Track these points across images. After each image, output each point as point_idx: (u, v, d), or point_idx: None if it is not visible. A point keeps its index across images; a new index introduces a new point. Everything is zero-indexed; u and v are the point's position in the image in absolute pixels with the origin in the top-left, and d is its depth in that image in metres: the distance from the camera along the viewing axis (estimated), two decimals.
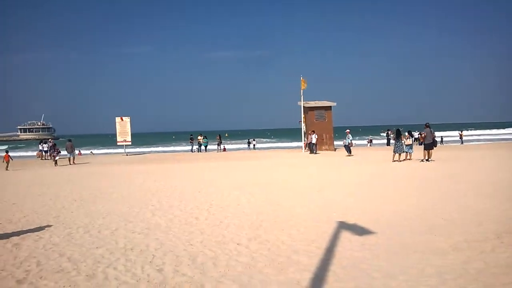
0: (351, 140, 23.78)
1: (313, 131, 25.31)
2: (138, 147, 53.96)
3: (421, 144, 21.86)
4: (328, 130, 27.33)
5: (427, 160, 17.37)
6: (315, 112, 27.33)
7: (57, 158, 24.35)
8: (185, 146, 57.05)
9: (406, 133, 18.86)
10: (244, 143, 53.33)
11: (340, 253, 5.05)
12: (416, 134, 29.01)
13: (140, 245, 5.59)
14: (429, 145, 17.49)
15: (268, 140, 70.03)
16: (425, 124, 17.97)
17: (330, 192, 9.86)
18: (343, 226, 6.39)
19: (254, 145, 43.83)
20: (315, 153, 25.09)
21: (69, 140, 26.15)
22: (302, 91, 27.04)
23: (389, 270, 4.37)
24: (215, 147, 36.09)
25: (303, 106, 27.33)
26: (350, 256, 4.92)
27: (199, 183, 12.37)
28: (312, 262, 4.72)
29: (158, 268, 4.62)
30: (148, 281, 4.21)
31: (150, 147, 61.11)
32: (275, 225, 6.64)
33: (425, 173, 13.59)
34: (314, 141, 25.18)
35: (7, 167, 21.46)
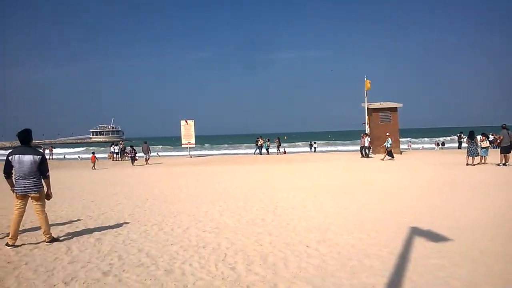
0: (390, 144, 22.88)
1: (388, 134, 24.15)
2: (202, 150, 55.80)
3: (497, 147, 20.32)
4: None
5: (504, 164, 16.09)
6: (380, 113, 26.48)
7: (136, 158, 26.58)
8: (244, 149, 57.98)
9: (481, 135, 17.62)
10: (304, 146, 53.07)
11: (415, 259, 4.82)
12: (490, 137, 27.00)
13: (211, 243, 5.76)
14: (507, 148, 16.19)
15: (329, 142, 68.90)
16: (502, 126, 16.69)
17: (396, 197, 9.48)
18: (415, 231, 6.10)
19: (315, 148, 43.42)
20: (368, 156, 24.29)
21: (145, 142, 28.12)
22: (366, 92, 26.34)
23: (471, 279, 4.10)
24: (275, 149, 36.27)
25: (367, 108, 26.58)
26: (426, 262, 4.68)
27: (263, 185, 12.50)
28: (385, 267, 4.56)
29: (231, 266, 4.73)
30: (222, 279, 4.32)
31: (213, 149, 62.86)
32: (343, 228, 6.51)
33: (502, 178, 12.59)
34: (367, 144, 24.38)
35: (93, 166, 24.01)
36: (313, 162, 23.05)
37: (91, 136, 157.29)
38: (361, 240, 5.77)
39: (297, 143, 65.45)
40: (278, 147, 35.54)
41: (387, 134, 23.19)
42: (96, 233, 6.53)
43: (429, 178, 13.21)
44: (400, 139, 29.81)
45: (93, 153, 26.69)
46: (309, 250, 5.35)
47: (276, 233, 6.31)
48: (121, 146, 31.89)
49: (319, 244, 5.61)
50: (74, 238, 6.21)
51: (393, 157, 22.51)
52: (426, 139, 65.42)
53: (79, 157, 51.20)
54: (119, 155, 31.34)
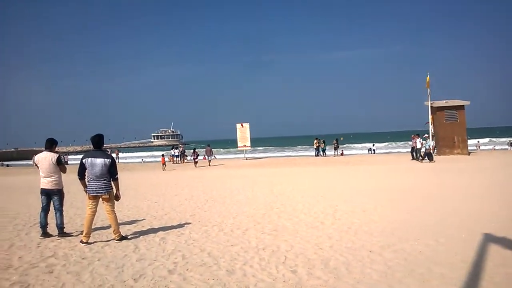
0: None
1: (426, 136, 22.59)
2: (257, 152, 56.33)
3: None
4: (460, 132, 24.79)
5: None
6: (445, 112, 25.03)
7: (197, 160, 28.08)
8: (299, 151, 57.64)
9: None
10: (362, 148, 51.66)
11: (491, 268, 4.49)
12: None
13: (271, 246, 5.77)
14: None
15: (388, 143, 66.37)
16: None
17: (462, 202, 8.89)
18: (491, 238, 5.68)
19: (374, 150, 42.09)
20: (420, 160, 22.36)
21: (208, 145, 29.36)
22: (428, 90, 25.04)
23: None
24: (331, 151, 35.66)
25: (431, 106, 25.25)
26: (504, 272, 4.34)
27: (320, 187, 12.33)
28: (457, 276, 4.28)
29: (291, 269, 4.70)
30: (284, 281, 4.31)
31: (268, 151, 63.21)
32: (408, 234, 6.22)
33: None
34: (419, 145, 22.70)
35: (163, 168, 25.56)
36: (371, 165, 22.35)
37: (153, 140, 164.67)
38: (429, 247, 5.48)
39: (355, 144, 63.82)
40: (335, 149, 34.90)
41: (425, 135, 22.06)
42: (160, 233, 6.81)
43: (499, 181, 12.26)
44: (469, 140, 28.04)
45: (163, 155, 28.68)
46: (373, 256, 5.18)
47: (337, 237, 6.19)
48: (181, 149, 33.06)
49: (383, 250, 5.41)
50: (141, 237, 6.52)
51: (432, 159, 21.24)
52: (503, 139, 60.51)
53: (142, 160, 53.89)
54: (179, 158, 32.50)
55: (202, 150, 33.14)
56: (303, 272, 4.59)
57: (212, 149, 29.57)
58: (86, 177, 6.13)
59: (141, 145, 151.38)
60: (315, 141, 34.45)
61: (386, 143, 66.07)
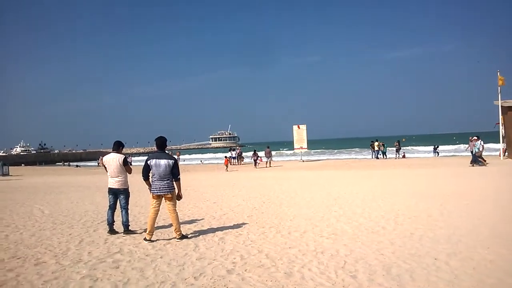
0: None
1: (476, 138, 20.50)
2: (313, 154, 55.70)
3: None
4: None
5: None
6: None
7: (258, 162, 29.15)
8: (357, 154, 56.10)
9: None
10: (426, 150, 49.19)
11: None
12: None
13: (329, 249, 5.64)
14: None
15: (454, 146, 62.46)
16: None
17: None
18: None
19: (437, 152, 39.92)
20: (479, 164, 20.20)
21: (268, 147, 29.89)
22: (499, 88, 23.26)
23: None
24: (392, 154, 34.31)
25: (502, 106, 23.42)
26: None
27: (381, 191, 11.88)
28: None
29: (351, 274, 4.56)
30: (343, 286, 4.18)
31: (325, 153, 62.25)
32: (477, 241, 5.79)
33: None
34: (480, 148, 20.45)
35: (226, 168, 26.56)
36: (435, 168, 21.18)
37: (211, 142, 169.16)
38: (501, 256, 5.06)
39: (417, 147, 60.79)
40: (397, 151, 33.54)
41: (474, 138, 20.28)
42: (219, 233, 6.92)
43: None
44: None
45: (226, 157, 29.64)
46: (438, 263, 4.87)
47: (399, 243, 5.91)
48: (238, 151, 33.58)
49: (449, 257, 5.07)
50: (200, 236, 6.68)
51: (481, 164, 19.50)
52: None
53: (201, 161, 55.49)
54: (236, 160, 33.02)
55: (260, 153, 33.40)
56: (363, 278, 4.43)
57: (280, 150, 30.17)
58: (150, 177, 6.40)
59: (199, 147, 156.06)
60: (375, 143, 33.39)
61: (453, 146, 62.26)
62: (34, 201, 12.24)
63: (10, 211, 10.25)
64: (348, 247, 5.72)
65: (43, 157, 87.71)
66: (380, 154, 33.11)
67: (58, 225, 8.04)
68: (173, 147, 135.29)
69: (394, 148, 34.15)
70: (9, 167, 31.37)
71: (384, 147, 32.77)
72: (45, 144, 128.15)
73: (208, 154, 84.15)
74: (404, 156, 34.42)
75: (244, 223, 7.70)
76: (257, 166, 28.47)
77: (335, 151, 68.92)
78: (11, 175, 27.85)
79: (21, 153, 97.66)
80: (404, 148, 43.10)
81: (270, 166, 28.54)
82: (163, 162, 6.19)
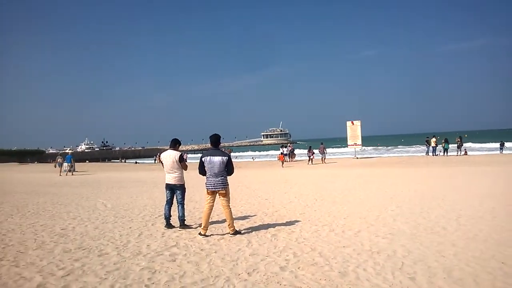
0: None
1: None
2: (368, 151, 54.12)
3: None
4: None
5: None
6: None
7: (312, 157, 29.22)
8: (413, 151, 53.68)
9: None
10: (491, 147, 46.06)
11: None
12: None
13: (386, 250, 5.43)
14: None
15: None
16: None
17: None
18: None
19: (503, 149, 37.18)
20: None
21: (321, 143, 29.90)
22: None
23: None
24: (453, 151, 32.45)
25: None
26: None
27: (440, 190, 11.29)
28: None
29: (409, 276, 4.35)
30: None
31: (380, 150, 60.31)
32: None
33: None
34: None
35: (282, 165, 27.13)
36: (501, 166, 19.73)
37: (262, 139, 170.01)
38: None
39: (482, 144, 56.93)
40: (458, 147, 31.69)
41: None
42: (271, 229, 6.92)
43: None
44: None
45: (282, 153, 30.08)
46: (506, 268, 4.53)
47: (461, 245, 5.56)
48: (289, 148, 33.45)
49: None
50: (253, 232, 6.72)
51: None
52: None
53: (253, 158, 56.01)
54: (288, 157, 32.89)
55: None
56: (422, 280, 4.21)
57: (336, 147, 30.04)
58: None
59: (251, 144, 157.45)
60: (431, 139, 31.79)
61: None
62: (97, 196, 13.00)
63: (76, 204, 10.96)
64: (406, 248, 5.48)
65: (105, 154, 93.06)
66: (440, 151, 31.47)
67: (119, 218, 8.46)
68: (225, 144, 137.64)
69: (456, 145, 32.28)
70: (75, 163, 33.57)
71: (447, 143, 31.06)
72: (107, 142, 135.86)
73: (260, 151, 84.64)
74: (466, 153, 32.41)
75: (296, 221, 7.64)
76: (312, 163, 28.51)
77: (391, 148, 66.50)
78: (77, 171, 29.79)
79: (86, 150, 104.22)
80: (465, 144, 40.56)
81: (324, 163, 28.46)
82: (217, 159, 6.29)
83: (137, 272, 4.75)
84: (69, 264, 5.11)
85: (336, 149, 60.80)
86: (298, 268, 4.75)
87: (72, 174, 27.05)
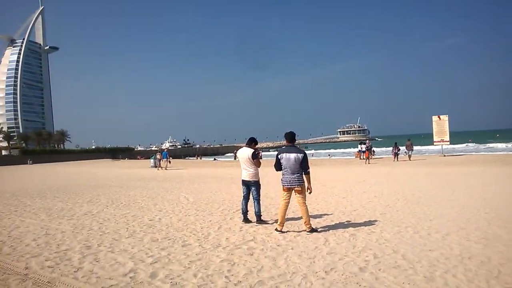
0: None
1: None
2: (457, 148, 50.14)
3: None
4: None
5: None
6: None
7: (398, 153, 28.58)
8: (503, 148, 48.49)
9: None
10: None
11: None
12: None
13: (479, 255, 4.97)
14: None
15: None
16: None
17: None
18: None
19: None
20: None
21: (408, 139, 28.91)
22: None
23: None
24: None
25: None
26: None
27: None
28: None
29: (508, 286, 3.93)
30: None
31: (471, 147, 55.65)
32: None
33: None
34: None
35: (367, 161, 26.78)
36: None
37: (339, 135, 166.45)
38: None
39: None
40: None
41: None
42: (349, 229, 6.72)
43: None
44: None
45: (360, 150, 30.18)
46: None
47: None
48: (367, 145, 32.27)
49: None
50: (330, 231, 6.58)
51: None
52: None
53: (329, 155, 55.10)
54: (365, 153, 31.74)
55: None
56: None
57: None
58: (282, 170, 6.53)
59: (327, 140, 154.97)
60: None
61: None
62: (180, 190, 13.75)
63: (161, 198, 11.71)
64: (504, 255, 4.95)
65: (187, 151, 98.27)
66: None
67: (200, 212, 8.86)
68: (300, 141, 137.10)
69: None
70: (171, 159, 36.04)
71: None
72: (188, 140, 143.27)
73: (336, 148, 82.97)
74: None
75: (376, 221, 7.33)
76: (397, 159, 27.44)
77: (483, 144, 60.90)
78: (161, 167, 31.78)
79: (169, 148, 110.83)
80: None
81: (410, 160, 27.12)
82: (292, 156, 6.26)
83: (217, 263, 4.92)
84: (157, 253, 5.47)
85: (420, 146, 57.31)
86: (379, 270, 4.54)
87: (166, 169, 29.26)
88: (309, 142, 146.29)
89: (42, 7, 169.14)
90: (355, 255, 5.16)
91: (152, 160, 35.75)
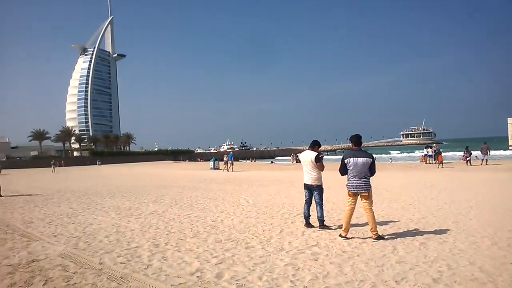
0: None
1: None
2: None
3: None
4: None
5: None
6: None
7: (468, 159, 26.89)
8: None
9: None
10: None
11: None
12: None
13: None
14: None
15: None
16: None
17: None
18: None
19: None
20: None
21: (484, 143, 27.36)
22: None
23: None
24: None
25: None
26: None
27: None
28: None
29: None
30: None
31: None
32: None
33: None
34: None
35: (440, 165, 25.91)
36: None
37: (401, 138, 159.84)
38: None
39: None
40: None
41: None
42: (419, 237, 6.37)
43: None
44: None
45: (425, 154, 29.85)
46: None
47: None
48: (434, 148, 30.60)
49: None
50: (398, 238, 6.29)
51: None
52: None
53: (390, 159, 53.13)
54: (433, 158, 30.09)
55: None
56: None
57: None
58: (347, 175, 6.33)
59: (389, 144, 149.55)
60: None
61: None
62: (240, 192, 13.94)
63: (222, 199, 11.94)
64: None
65: (244, 154, 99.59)
66: None
67: (260, 214, 8.90)
68: (364, 144, 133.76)
69: None
70: (219, 162, 36.79)
71: None
72: (245, 142, 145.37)
73: (399, 152, 79.75)
74: None
75: (448, 229, 6.88)
76: (470, 164, 25.75)
77: None
78: (220, 169, 32.51)
79: (227, 150, 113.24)
80: None
81: (486, 164, 25.31)
82: (361, 160, 6.06)
83: (281, 267, 4.89)
84: (221, 253, 5.56)
85: (494, 151, 53.12)
86: (454, 282, 4.25)
87: (233, 170, 30.02)
88: (370, 145, 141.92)
89: (111, 17, 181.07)
90: (427, 265, 4.88)
91: (211, 162, 36.72)
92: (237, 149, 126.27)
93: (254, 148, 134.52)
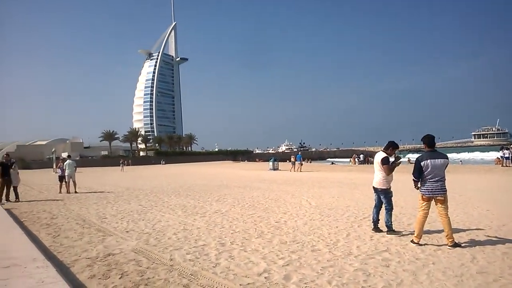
0: None
1: None
2: None
3: None
4: None
5: None
6: None
7: None
8: None
9: None
10: None
11: None
12: None
13: None
14: None
15: None
16: None
17: None
18: None
19: None
20: None
21: None
22: None
23: None
24: None
25: None
26: None
27: None
28: None
29: None
30: None
31: None
32: None
33: None
34: None
35: None
36: None
37: (473, 139, 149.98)
38: None
39: None
40: None
41: None
42: (500, 246, 5.86)
43: None
44: None
45: (501, 157, 27.91)
46: None
47: None
48: (511, 150, 28.24)
49: None
50: (477, 247, 5.83)
51: None
52: None
53: (460, 161, 49.91)
54: (510, 160, 27.75)
55: None
56: None
57: None
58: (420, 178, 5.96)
59: (458, 145, 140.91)
60: None
61: None
62: (301, 193, 13.81)
63: (283, 200, 11.90)
64: None
65: (303, 155, 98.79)
66: None
67: (324, 217, 8.72)
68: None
69: None
70: (278, 162, 36.89)
71: None
72: (304, 143, 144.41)
73: (470, 153, 74.85)
74: None
75: None
76: None
77: None
78: (280, 169, 32.53)
79: (286, 151, 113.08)
80: None
81: None
82: (439, 161, 5.69)
83: (351, 272, 4.73)
84: (287, 255, 5.51)
85: None
86: None
87: (301, 171, 29.99)
88: (439, 146, 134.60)
89: (175, 22, 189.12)
90: None
91: (271, 163, 36.88)
92: (295, 149, 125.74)
93: (313, 149, 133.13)
